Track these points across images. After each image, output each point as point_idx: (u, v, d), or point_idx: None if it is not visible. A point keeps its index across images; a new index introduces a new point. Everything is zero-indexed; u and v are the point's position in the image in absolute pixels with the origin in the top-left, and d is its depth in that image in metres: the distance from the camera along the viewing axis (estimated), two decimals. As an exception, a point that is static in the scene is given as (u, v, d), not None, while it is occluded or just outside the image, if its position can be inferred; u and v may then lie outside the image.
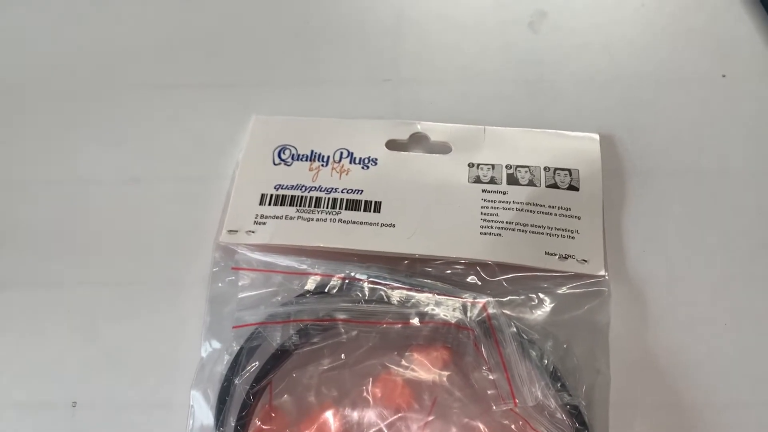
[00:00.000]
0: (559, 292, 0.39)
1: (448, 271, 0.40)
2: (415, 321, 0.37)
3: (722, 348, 0.39)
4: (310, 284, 0.39)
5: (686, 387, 0.38)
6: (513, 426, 0.35)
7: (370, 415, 0.37)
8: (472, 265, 0.40)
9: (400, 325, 0.37)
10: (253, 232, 0.42)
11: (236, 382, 0.36)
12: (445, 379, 0.37)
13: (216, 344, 0.38)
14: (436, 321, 0.37)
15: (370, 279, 0.39)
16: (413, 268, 0.40)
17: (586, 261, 0.40)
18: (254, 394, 0.36)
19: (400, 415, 0.36)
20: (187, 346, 0.39)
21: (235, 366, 0.37)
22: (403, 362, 0.37)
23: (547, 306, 0.39)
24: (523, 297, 0.39)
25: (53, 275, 0.43)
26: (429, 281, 0.39)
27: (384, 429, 0.36)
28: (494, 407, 0.35)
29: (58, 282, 0.42)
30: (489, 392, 0.35)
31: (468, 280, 0.40)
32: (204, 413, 0.37)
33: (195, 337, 0.39)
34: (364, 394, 0.36)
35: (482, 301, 0.37)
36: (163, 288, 0.42)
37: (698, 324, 0.40)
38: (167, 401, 0.39)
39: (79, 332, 0.41)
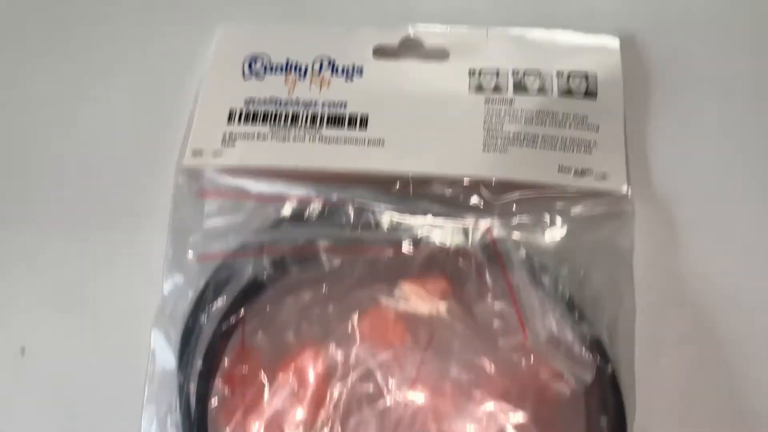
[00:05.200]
0: (575, 212, 0.33)
1: (447, 191, 0.35)
2: (408, 247, 0.33)
3: (763, 274, 0.35)
4: (287, 210, 0.34)
5: (722, 319, 0.33)
6: (523, 362, 0.31)
7: (357, 354, 0.32)
8: (474, 185, 0.34)
9: (390, 253, 0.33)
10: (220, 153, 0.36)
11: (202, 320, 0.32)
12: (443, 311, 0.32)
13: (179, 279, 0.33)
14: (432, 247, 0.32)
15: (356, 202, 0.34)
16: (405, 191, 0.35)
17: (605, 177, 0.34)
18: (223, 333, 0.31)
19: (392, 352, 0.32)
20: (148, 283, 0.34)
21: (201, 302, 0.32)
22: (395, 294, 0.33)
23: (562, 228, 0.33)
24: (533, 219, 0.33)
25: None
26: (424, 203, 0.34)
27: (374, 369, 0.32)
28: (501, 342, 0.31)
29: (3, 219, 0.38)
30: (495, 325, 0.31)
31: (470, 202, 0.34)
32: (166, 356, 0.32)
33: (156, 273, 0.34)
34: (350, 330, 0.32)
35: (486, 223, 0.33)
36: (120, 219, 0.36)
37: (735, 247, 0.35)
38: (126, 345, 0.34)
39: (26, 271, 0.36)
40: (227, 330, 0.31)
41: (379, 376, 0.31)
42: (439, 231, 0.32)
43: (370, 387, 0.31)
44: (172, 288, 0.33)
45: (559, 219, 0.33)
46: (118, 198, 0.37)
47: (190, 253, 0.33)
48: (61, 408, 0.34)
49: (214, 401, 0.31)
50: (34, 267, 0.36)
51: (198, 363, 0.31)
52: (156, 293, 0.34)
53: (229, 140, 0.36)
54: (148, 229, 0.36)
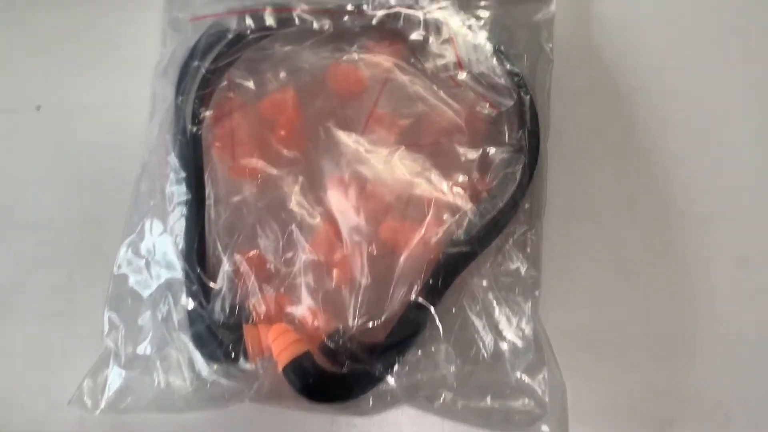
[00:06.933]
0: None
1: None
2: (368, 9, 0.39)
3: (658, 38, 0.42)
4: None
5: (624, 75, 0.41)
6: (461, 94, 0.38)
7: (323, 100, 0.39)
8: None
9: (354, 13, 0.39)
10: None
11: (196, 63, 0.38)
12: (396, 62, 0.39)
13: (174, 39, 0.39)
14: (388, 7, 0.39)
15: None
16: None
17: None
18: (213, 71, 0.37)
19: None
20: (147, 50, 0.40)
21: (194, 51, 0.38)
22: (358, 48, 0.39)
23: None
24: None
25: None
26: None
27: (337, 111, 0.38)
28: (442, 75, 0.38)
29: (13, 2, 0.43)
30: (438, 63, 0.38)
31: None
32: (166, 102, 0.39)
33: (153, 42, 0.40)
34: (320, 79, 0.38)
35: (433, -8, 0.39)
36: (119, 3, 0.42)
37: (644, 18, 0.42)
38: (128, 99, 0.40)
39: (39, 44, 0.42)
40: (216, 70, 0.38)
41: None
42: (394, -5, 0.39)
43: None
44: (170, 47, 0.39)
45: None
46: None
47: (184, 20, 0.40)
48: (73, 154, 0.40)
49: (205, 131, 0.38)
50: (45, 43, 0.42)
51: (192, 96, 0.37)
52: (151, 55, 0.40)
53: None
54: (146, 2, 0.41)
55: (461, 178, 0.36)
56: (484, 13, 0.39)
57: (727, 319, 0.37)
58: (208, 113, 0.38)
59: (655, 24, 0.42)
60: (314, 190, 0.37)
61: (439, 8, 0.39)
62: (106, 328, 0.35)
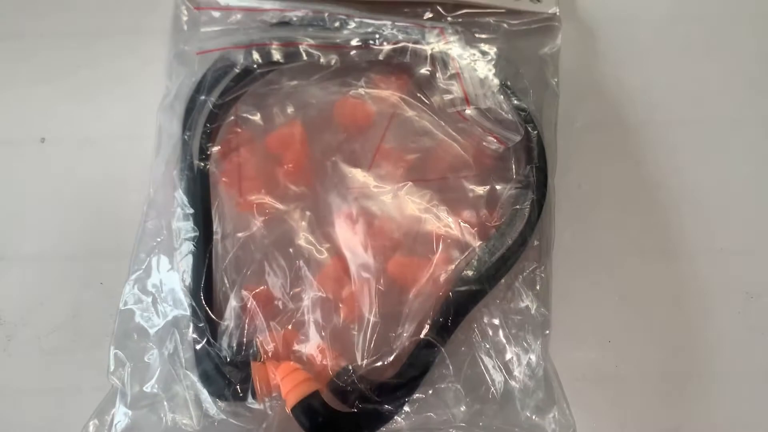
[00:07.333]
0: (513, 23, 0.40)
1: (406, 10, 0.41)
2: (375, 44, 0.39)
3: (663, 75, 0.42)
4: (272, 18, 0.40)
5: (631, 109, 0.41)
6: (468, 129, 0.38)
7: (330, 135, 0.39)
8: (431, 4, 0.41)
9: (361, 47, 0.39)
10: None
11: (202, 97, 0.38)
12: (402, 97, 0.39)
13: (180, 73, 0.39)
14: (395, 41, 0.39)
15: (330, 13, 0.40)
16: (373, 8, 0.41)
17: (539, 0, 0.42)
18: (220, 106, 0.37)
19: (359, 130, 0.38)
20: (152, 83, 0.40)
21: (201, 85, 0.38)
22: (365, 82, 0.39)
23: (501, 35, 0.40)
24: (476, 27, 0.40)
25: (16, 26, 0.43)
26: (389, 17, 0.40)
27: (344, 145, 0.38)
28: (448, 110, 0.38)
29: (19, 33, 0.43)
30: (445, 98, 0.38)
31: (426, 16, 0.41)
32: (172, 137, 0.38)
33: (159, 75, 0.40)
34: (327, 113, 0.38)
35: (440, 25, 0.39)
36: (124, 36, 0.42)
37: (644, 54, 0.42)
38: (133, 132, 0.40)
39: (44, 76, 0.42)
40: (223, 104, 0.38)
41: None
42: (401, 31, 0.39)
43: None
44: (176, 80, 0.39)
45: (498, 28, 0.40)
46: (122, 18, 0.42)
47: (189, 54, 0.40)
48: (78, 187, 0.40)
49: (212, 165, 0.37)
50: (50, 75, 0.42)
51: (199, 131, 0.37)
52: (159, 89, 0.40)
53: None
54: (149, 42, 0.41)
55: (469, 214, 0.36)
56: (491, 48, 0.40)
57: (737, 357, 0.37)
58: (215, 148, 0.38)
59: (662, 56, 0.42)
60: (322, 225, 0.37)
61: (446, 43, 0.39)
62: (112, 365, 0.35)
